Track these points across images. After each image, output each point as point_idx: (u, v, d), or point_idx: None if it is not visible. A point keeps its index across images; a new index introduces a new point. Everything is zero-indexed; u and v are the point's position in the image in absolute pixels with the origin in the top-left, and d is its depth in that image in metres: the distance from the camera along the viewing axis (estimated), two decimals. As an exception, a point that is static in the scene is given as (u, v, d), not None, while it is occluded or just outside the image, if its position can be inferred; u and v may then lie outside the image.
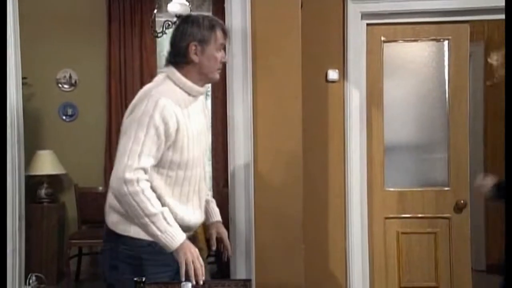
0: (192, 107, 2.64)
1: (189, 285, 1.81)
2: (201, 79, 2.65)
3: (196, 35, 2.60)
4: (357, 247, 4.12)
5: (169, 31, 5.91)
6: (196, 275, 2.41)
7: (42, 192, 6.24)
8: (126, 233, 2.58)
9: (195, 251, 2.46)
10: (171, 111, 2.49)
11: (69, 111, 6.54)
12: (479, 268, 6.04)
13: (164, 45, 6.54)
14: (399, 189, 4.23)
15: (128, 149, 2.47)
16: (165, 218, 2.45)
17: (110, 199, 2.65)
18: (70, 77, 6.55)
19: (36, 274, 5.99)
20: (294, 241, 3.49)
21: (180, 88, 2.61)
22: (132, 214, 2.49)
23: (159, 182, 2.55)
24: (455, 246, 4.19)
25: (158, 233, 2.44)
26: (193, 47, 2.59)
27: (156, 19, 6.07)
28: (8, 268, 3.42)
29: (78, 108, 6.53)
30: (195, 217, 2.69)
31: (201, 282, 2.40)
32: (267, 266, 3.42)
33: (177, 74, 2.61)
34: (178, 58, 2.62)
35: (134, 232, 2.56)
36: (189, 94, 2.63)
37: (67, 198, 6.46)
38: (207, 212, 2.91)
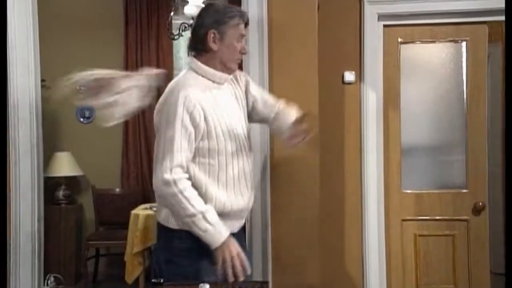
0: (221, 92, 2.66)
1: (207, 286, 1.81)
2: (220, 67, 2.65)
3: (215, 23, 2.61)
4: (373, 249, 4.12)
5: (186, 33, 5.96)
6: (234, 274, 2.44)
7: (60, 193, 6.27)
8: (178, 227, 2.59)
9: (235, 249, 2.48)
10: (194, 100, 2.51)
11: (87, 113, 6.56)
12: (498, 271, 5.99)
13: (180, 47, 6.58)
14: (416, 191, 4.22)
15: (161, 149, 2.52)
16: (205, 218, 2.47)
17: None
18: (88, 78, 6.56)
19: (55, 275, 6.03)
20: (310, 241, 3.50)
21: (203, 76, 2.63)
22: (175, 213, 2.54)
23: (200, 173, 2.57)
24: (473, 249, 4.17)
25: (200, 232, 2.48)
26: (212, 35, 2.60)
27: (173, 21, 6.08)
28: (27, 269, 3.46)
29: (95, 111, 6.54)
30: (243, 202, 2.68)
31: (241, 279, 2.42)
32: (284, 266, 3.43)
33: (198, 63, 2.64)
34: (198, 45, 2.65)
35: (181, 224, 2.58)
36: (214, 81, 2.64)
37: (84, 200, 6.49)
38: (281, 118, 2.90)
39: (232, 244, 2.49)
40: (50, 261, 5.87)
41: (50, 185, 6.11)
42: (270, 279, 3.36)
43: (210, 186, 2.57)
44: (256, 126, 3.39)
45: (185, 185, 2.49)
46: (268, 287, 2.58)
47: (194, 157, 2.55)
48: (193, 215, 2.46)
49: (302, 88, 3.50)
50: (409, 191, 4.21)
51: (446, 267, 4.18)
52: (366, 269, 4.11)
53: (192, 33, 2.69)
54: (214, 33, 2.60)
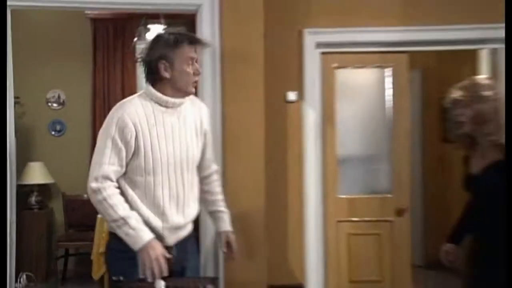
0: (170, 116, 2.53)
1: (162, 283, 1.77)
2: (174, 93, 2.52)
3: (164, 52, 2.48)
4: (313, 246, 4.13)
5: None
6: (153, 274, 2.34)
7: (33, 199, 6.14)
8: (112, 230, 2.52)
9: (155, 253, 2.36)
10: (127, 121, 2.42)
11: (58, 127, 6.45)
12: (418, 264, 6.10)
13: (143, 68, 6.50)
14: (349, 196, 4.26)
15: (93, 160, 2.46)
16: (127, 223, 2.38)
17: None
18: (59, 97, 6.45)
19: (27, 273, 5.87)
20: (257, 241, 3.48)
21: (152, 100, 2.51)
22: (104, 218, 2.48)
23: (128, 188, 2.48)
24: (397, 245, 4.23)
25: (123, 235, 2.41)
26: (163, 66, 2.48)
27: (136, 46, 6.04)
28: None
29: (66, 125, 6.44)
30: (169, 223, 2.54)
31: (158, 279, 2.31)
32: (234, 264, 3.40)
33: (149, 88, 2.53)
34: (152, 75, 2.52)
35: None
36: (166, 106, 2.52)
37: (55, 205, 6.36)
38: (217, 221, 2.83)
39: (153, 248, 2.37)
40: (23, 261, 5.70)
41: (24, 192, 5.97)
42: (221, 275, 3.32)
43: (136, 200, 2.48)
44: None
45: (109, 192, 2.40)
46: (218, 282, 2.54)
47: (125, 174, 2.47)
48: (116, 220, 2.39)
49: (250, 106, 3.50)
50: (343, 196, 4.25)
51: (374, 261, 4.23)
52: (307, 263, 4.13)
53: (145, 64, 2.55)
54: (164, 64, 2.48)
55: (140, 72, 6.72)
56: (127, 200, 2.47)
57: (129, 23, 6.32)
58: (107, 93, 6.38)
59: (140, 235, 2.39)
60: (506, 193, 2.42)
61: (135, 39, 6.00)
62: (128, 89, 6.31)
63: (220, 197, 2.87)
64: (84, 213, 5.90)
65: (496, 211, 2.52)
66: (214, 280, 2.53)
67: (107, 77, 6.38)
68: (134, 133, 2.43)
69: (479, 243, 2.68)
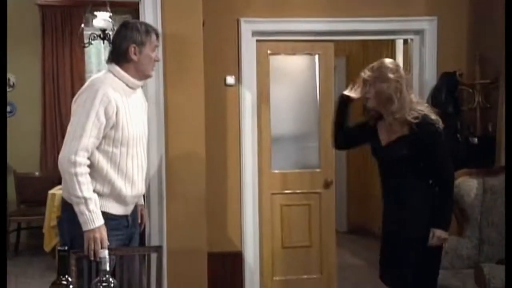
0: (132, 97, 2.56)
1: (106, 252, 1.74)
2: (138, 75, 2.57)
3: (136, 38, 2.53)
4: (249, 217, 4.17)
5: (95, 42, 5.73)
6: (95, 255, 2.33)
7: (-16, 177, 5.89)
8: None
9: (99, 237, 2.37)
10: (110, 96, 2.42)
11: (8, 109, 6.17)
12: (342, 230, 6.27)
13: (91, 53, 6.32)
14: (282, 171, 4.31)
15: (72, 132, 2.40)
16: (86, 204, 2.37)
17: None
18: (9, 80, 6.18)
19: (-20, 246, 5.68)
20: (198, 213, 3.47)
21: (119, 79, 2.52)
22: (67, 188, 2.42)
23: (103, 160, 2.45)
24: (324, 214, 4.33)
25: (78, 213, 2.38)
26: (133, 49, 2.52)
27: (84, 32, 5.86)
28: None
29: (16, 106, 6.20)
30: (136, 190, 2.58)
31: (97, 259, 2.25)
32: (176, 234, 3.39)
33: (117, 69, 2.53)
34: (120, 57, 2.54)
35: None
36: (128, 86, 2.54)
37: (7, 182, 6.11)
38: None
39: (99, 233, 2.38)
40: (-24, 235, 5.49)
41: (-25, 170, 5.72)
42: (164, 244, 3.30)
43: (110, 171, 2.48)
44: (154, 127, 3.32)
45: (82, 171, 2.38)
46: (162, 250, 2.52)
47: (100, 145, 2.45)
48: (78, 197, 2.37)
49: (192, 90, 3.46)
50: (276, 171, 4.29)
51: (304, 228, 4.31)
52: (244, 232, 4.16)
53: (114, 47, 2.59)
54: (134, 47, 2.52)
55: (88, 56, 6.59)
56: (102, 174, 2.45)
57: (76, 10, 6.15)
58: (56, 76, 6.19)
59: (93, 218, 2.38)
60: (412, 162, 2.70)
61: (82, 25, 5.83)
62: (77, 73, 6.15)
63: None
64: (35, 190, 5.77)
65: (401, 177, 2.74)
66: (158, 249, 2.51)
67: (56, 61, 6.18)
68: (115, 109, 2.43)
69: (386, 205, 2.88)
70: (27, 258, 5.64)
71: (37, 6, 6.07)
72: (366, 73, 2.75)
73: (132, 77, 2.55)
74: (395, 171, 2.77)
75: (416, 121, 2.64)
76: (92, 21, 5.63)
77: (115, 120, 2.43)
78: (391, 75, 2.67)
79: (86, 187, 2.38)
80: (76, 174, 2.36)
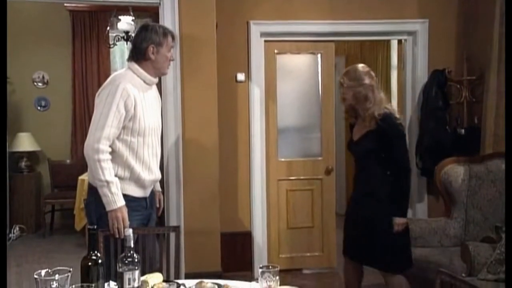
0: (148, 92, 2.56)
1: (130, 230, 1.74)
2: (155, 72, 2.57)
3: (154, 39, 2.53)
4: (258, 200, 4.16)
5: (119, 43, 5.73)
6: (119, 233, 2.36)
7: (23, 164, 5.95)
8: None
9: (121, 216, 2.37)
10: (129, 91, 2.42)
11: (43, 103, 6.21)
12: (341, 213, 6.25)
13: (115, 53, 6.33)
14: (288, 159, 4.29)
15: (96, 123, 2.41)
16: (108, 187, 2.38)
17: None
18: (43, 77, 6.20)
19: (19, 225, 5.72)
20: (212, 197, 3.48)
21: (138, 76, 2.53)
22: (91, 173, 2.44)
23: (123, 147, 2.46)
24: (325, 198, 4.32)
25: (101, 194, 2.39)
26: (151, 48, 2.52)
27: (109, 34, 5.86)
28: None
29: (50, 101, 6.22)
30: (153, 175, 2.58)
31: (122, 236, 2.31)
32: (192, 216, 3.40)
33: (136, 66, 2.54)
34: (139, 56, 2.54)
35: None
36: (145, 82, 2.54)
37: (42, 169, 6.17)
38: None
39: (121, 213, 2.38)
40: (16, 216, 5.55)
41: (15, 158, 5.78)
42: (182, 224, 3.31)
43: (129, 158, 2.48)
44: (170, 121, 3.32)
45: (104, 157, 2.39)
46: (179, 230, 2.53)
47: (120, 135, 2.45)
48: (101, 181, 2.38)
49: (205, 85, 3.46)
50: (283, 159, 4.28)
51: (307, 211, 4.30)
52: (253, 214, 4.16)
53: (134, 46, 2.58)
54: (153, 47, 2.52)
55: (113, 56, 6.61)
56: (122, 160, 2.46)
57: (102, 14, 6.13)
58: (84, 74, 6.20)
59: (115, 199, 2.38)
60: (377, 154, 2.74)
61: (108, 28, 5.83)
62: (103, 71, 6.15)
63: None
64: (66, 175, 5.80)
65: (369, 168, 2.80)
66: (176, 228, 2.51)
67: (84, 61, 6.19)
68: (133, 102, 2.44)
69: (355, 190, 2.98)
70: (60, 237, 5.68)
71: (68, 12, 6.08)
72: (344, 80, 2.81)
73: (149, 74, 2.55)
74: (364, 164, 2.83)
75: (381, 117, 2.70)
76: (116, 24, 5.61)
77: (133, 113, 2.44)
78: (366, 79, 2.76)
79: (108, 171, 2.38)
80: (99, 160, 2.38)
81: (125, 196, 2.44)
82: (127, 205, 2.43)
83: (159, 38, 2.54)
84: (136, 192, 2.52)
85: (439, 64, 4.16)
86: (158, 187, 2.81)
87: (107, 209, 2.38)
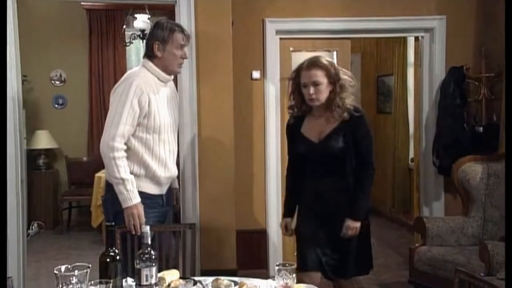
0: (163, 89, 2.55)
1: (148, 227, 1.76)
2: (165, 70, 2.55)
3: (159, 36, 2.51)
4: (273, 198, 4.17)
5: (135, 42, 5.78)
6: (135, 230, 2.38)
7: (41, 161, 6.03)
8: None
9: (137, 213, 2.38)
10: (143, 88, 2.43)
11: (60, 101, 6.29)
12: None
13: (131, 51, 6.37)
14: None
15: (111, 120, 2.43)
16: (123, 184, 2.39)
17: None
18: (61, 75, 6.28)
19: (38, 222, 5.80)
20: (228, 194, 3.49)
21: (151, 73, 2.52)
22: (107, 170, 2.45)
23: (138, 145, 2.47)
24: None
25: (117, 192, 2.41)
26: (156, 45, 2.51)
27: (125, 32, 5.90)
28: (13, 218, 3.27)
29: (67, 99, 6.29)
30: (169, 172, 2.58)
31: (138, 233, 2.34)
32: (208, 213, 3.41)
33: (150, 64, 2.54)
34: (148, 52, 2.55)
35: None
36: (159, 79, 2.54)
37: (59, 166, 6.25)
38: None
39: (137, 209, 2.40)
40: (34, 212, 5.63)
41: (33, 155, 5.86)
42: (197, 222, 3.32)
43: (145, 155, 2.49)
44: (187, 118, 3.33)
45: (119, 155, 2.40)
46: (195, 227, 2.54)
47: (135, 132, 2.46)
48: (116, 178, 2.40)
49: (221, 83, 3.46)
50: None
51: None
52: (268, 212, 4.16)
53: (146, 43, 2.60)
54: (158, 44, 2.51)
55: (129, 54, 6.66)
56: (138, 157, 2.47)
57: (118, 13, 6.17)
58: (101, 72, 6.25)
59: (130, 196, 2.40)
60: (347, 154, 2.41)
61: (124, 26, 5.87)
62: (119, 69, 6.19)
63: None
64: (84, 173, 5.87)
65: (343, 171, 2.45)
66: (191, 226, 2.53)
67: (101, 59, 6.23)
68: (148, 100, 2.44)
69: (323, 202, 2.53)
70: (77, 233, 5.75)
71: (84, 10, 6.12)
72: (316, 75, 2.40)
73: (162, 71, 2.54)
74: (335, 167, 2.44)
75: (353, 107, 2.43)
76: (132, 23, 5.66)
77: (147, 110, 2.44)
78: (342, 74, 2.46)
79: (123, 169, 2.40)
80: (114, 158, 2.39)
81: (141, 194, 2.46)
82: (143, 202, 2.45)
83: (164, 35, 2.51)
84: (152, 189, 2.54)
85: (457, 61, 4.11)
86: (175, 185, 2.82)
87: (123, 206, 2.40)
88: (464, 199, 3.53)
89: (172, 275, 1.91)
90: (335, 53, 4.23)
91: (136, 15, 5.51)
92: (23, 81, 3.56)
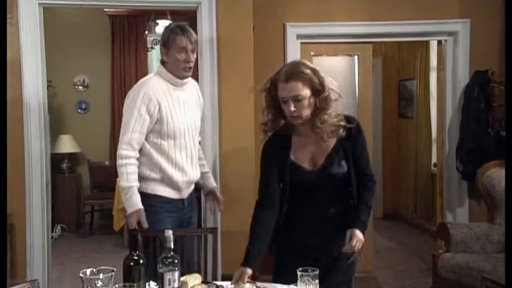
0: (178, 93, 2.53)
1: (170, 232, 1.77)
2: (174, 74, 2.52)
3: (163, 39, 2.52)
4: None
5: (156, 47, 5.84)
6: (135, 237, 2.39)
7: (64, 165, 6.14)
8: (139, 189, 2.49)
9: (135, 220, 2.39)
10: (151, 95, 2.43)
11: (83, 106, 6.40)
12: (378, 216, 6.17)
13: (153, 57, 6.45)
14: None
15: (121, 129, 2.46)
16: (124, 193, 2.41)
17: None
18: (84, 80, 6.39)
19: (61, 225, 5.90)
20: (248, 199, 3.47)
21: (163, 78, 2.52)
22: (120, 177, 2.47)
23: (152, 150, 2.48)
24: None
25: (123, 198, 2.44)
26: (161, 50, 2.53)
27: (147, 38, 5.97)
28: (38, 221, 3.33)
29: (90, 104, 6.40)
30: (187, 177, 2.56)
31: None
32: (229, 218, 3.41)
33: (162, 69, 2.55)
34: (160, 57, 2.57)
35: (145, 187, 2.50)
36: (171, 84, 2.52)
37: (82, 170, 6.35)
38: (206, 179, 2.80)
39: (137, 216, 2.40)
40: (58, 215, 5.72)
41: (56, 159, 5.96)
42: (219, 226, 3.33)
43: (160, 160, 2.49)
44: (208, 125, 3.34)
45: (123, 162, 2.42)
46: (217, 232, 2.54)
47: (149, 138, 2.47)
48: (122, 185, 2.43)
49: (242, 87, 3.46)
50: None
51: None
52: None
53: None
54: (162, 48, 2.52)
55: (150, 60, 6.74)
56: (153, 162, 2.47)
57: (140, 18, 6.26)
58: (123, 77, 6.34)
59: (131, 204, 2.41)
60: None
61: (146, 32, 5.95)
62: (141, 74, 6.26)
63: (205, 161, 2.87)
64: (105, 177, 5.94)
65: (330, 201, 2.10)
66: (213, 230, 2.53)
67: (123, 64, 6.33)
68: (158, 106, 2.44)
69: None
70: (99, 236, 5.82)
71: (107, 17, 6.23)
72: (297, 89, 1.96)
73: (173, 76, 2.51)
74: (336, 194, 2.07)
75: (345, 126, 2.03)
76: (154, 28, 5.73)
77: (158, 116, 2.44)
78: (327, 83, 2.02)
79: (125, 176, 2.41)
80: (120, 166, 2.42)
81: (160, 198, 2.48)
82: (161, 206, 2.47)
83: (166, 38, 2.49)
84: (170, 193, 2.54)
85: (481, 65, 4.04)
86: (211, 184, 2.80)
87: (128, 211, 2.42)
88: (489, 205, 3.47)
89: (194, 279, 1.92)
90: (356, 57, 4.22)
91: (158, 21, 5.58)
92: (48, 86, 3.63)
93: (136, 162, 2.45)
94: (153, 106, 2.43)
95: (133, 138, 2.42)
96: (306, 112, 1.99)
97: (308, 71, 2.00)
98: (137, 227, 2.34)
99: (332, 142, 2.03)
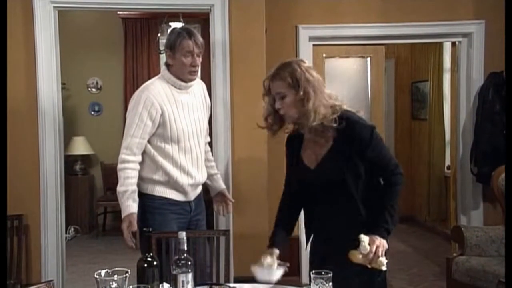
0: (182, 97, 2.51)
1: (184, 233, 1.78)
2: (179, 77, 2.51)
3: (168, 43, 2.51)
4: (305, 205, 4.13)
5: (169, 50, 5.88)
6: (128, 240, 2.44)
7: (77, 167, 6.20)
8: (145, 191, 2.53)
9: (127, 223, 2.43)
10: (152, 100, 2.42)
11: (96, 108, 6.46)
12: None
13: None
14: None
15: (124, 133, 2.48)
16: (121, 196, 2.44)
17: None
18: (97, 83, 6.45)
19: (74, 226, 5.95)
20: (261, 201, 3.49)
21: (167, 82, 2.50)
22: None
23: (156, 153, 2.48)
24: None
25: (120, 199, 2.47)
26: (167, 53, 2.52)
27: (160, 40, 6.00)
28: (52, 222, 3.37)
29: (103, 106, 6.46)
30: (192, 180, 2.55)
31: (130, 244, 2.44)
32: (242, 220, 3.42)
33: (166, 72, 2.53)
34: (165, 60, 2.56)
35: (151, 189, 2.51)
36: (175, 87, 2.51)
37: (95, 172, 6.40)
38: (215, 181, 2.79)
39: (129, 220, 2.43)
40: (71, 217, 5.77)
41: (70, 161, 6.02)
42: (231, 228, 3.33)
43: (165, 163, 2.49)
44: (220, 129, 3.34)
45: (121, 167, 2.45)
46: (229, 234, 2.55)
47: (153, 141, 2.47)
48: (118, 189, 2.46)
49: (254, 89, 3.46)
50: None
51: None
52: (300, 219, 4.11)
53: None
54: (168, 52, 2.51)
55: (163, 62, 6.79)
56: (158, 165, 2.48)
57: (153, 21, 6.29)
58: (136, 80, 6.37)
59: (124, 209, 2.46)
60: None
61: (159, 34, 5.98)
62: (153, 76, 6.28)
63: (214, 163, 2.86)
64: (118, 178, 5.96)
65: (332, 201, 2.10)
66: (225, 232, 2.53)
67: (135, 67, 6.37)
68: (160, 110, 2.43)
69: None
70: (112, 238, 5.84)
71: (120, 20, 6.28)
72: (279, 87, 2.00)
73: (177, 79, 2.50)
74: (327, 195, 2.05)
75: (339, 121, 1.98)
76: (166, 31, 5.74)
77: (160, 120, 2.43)
78: (309, 77, 2.02)
79: (122, 181, 2.44)
80: (118, 170, 2.46)
81: (166, 200, 2.50)
82: (168, 208, 2.48)
83: (172, 42, 2.47)
84: (176, 196, 2.54)
85: (497, 66, 4.00)
86: (220, 186, 2.79)
87: (123, 215, 2.46)
88: (504, 208, 3.43)
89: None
90: (368, 59, 4.21)
91: (170, 23, 5.61)
92: (61, 89, 3.67)
93: (136, 166, 2.46)
94: (155, 111, 2.42)
95: (133, 143, 2.43)
96: (292, 110, 2.00)
97: (286, 73, 2.01)
98: (132, 231, 2.41)
99: (330, 139, 2.02)
